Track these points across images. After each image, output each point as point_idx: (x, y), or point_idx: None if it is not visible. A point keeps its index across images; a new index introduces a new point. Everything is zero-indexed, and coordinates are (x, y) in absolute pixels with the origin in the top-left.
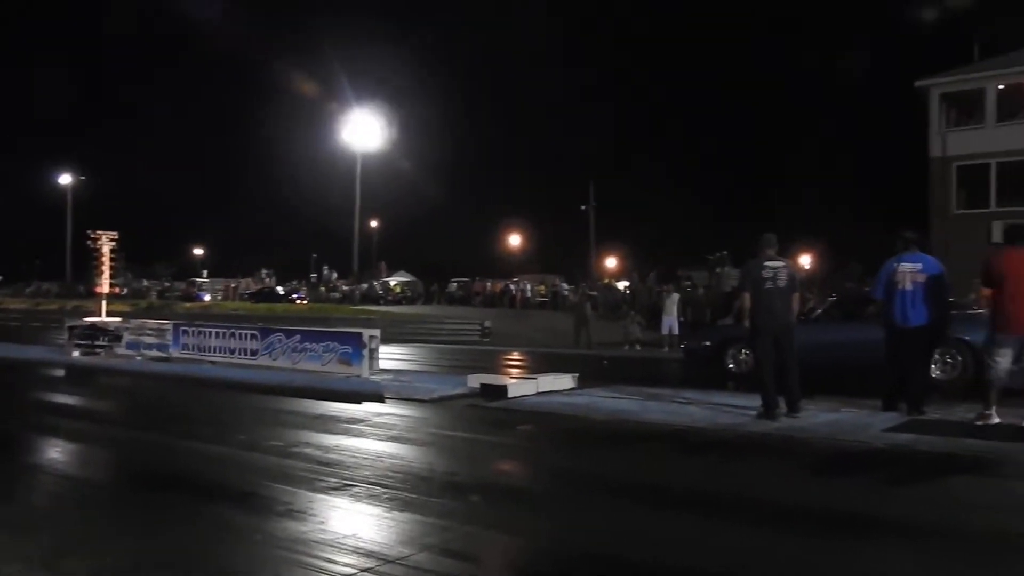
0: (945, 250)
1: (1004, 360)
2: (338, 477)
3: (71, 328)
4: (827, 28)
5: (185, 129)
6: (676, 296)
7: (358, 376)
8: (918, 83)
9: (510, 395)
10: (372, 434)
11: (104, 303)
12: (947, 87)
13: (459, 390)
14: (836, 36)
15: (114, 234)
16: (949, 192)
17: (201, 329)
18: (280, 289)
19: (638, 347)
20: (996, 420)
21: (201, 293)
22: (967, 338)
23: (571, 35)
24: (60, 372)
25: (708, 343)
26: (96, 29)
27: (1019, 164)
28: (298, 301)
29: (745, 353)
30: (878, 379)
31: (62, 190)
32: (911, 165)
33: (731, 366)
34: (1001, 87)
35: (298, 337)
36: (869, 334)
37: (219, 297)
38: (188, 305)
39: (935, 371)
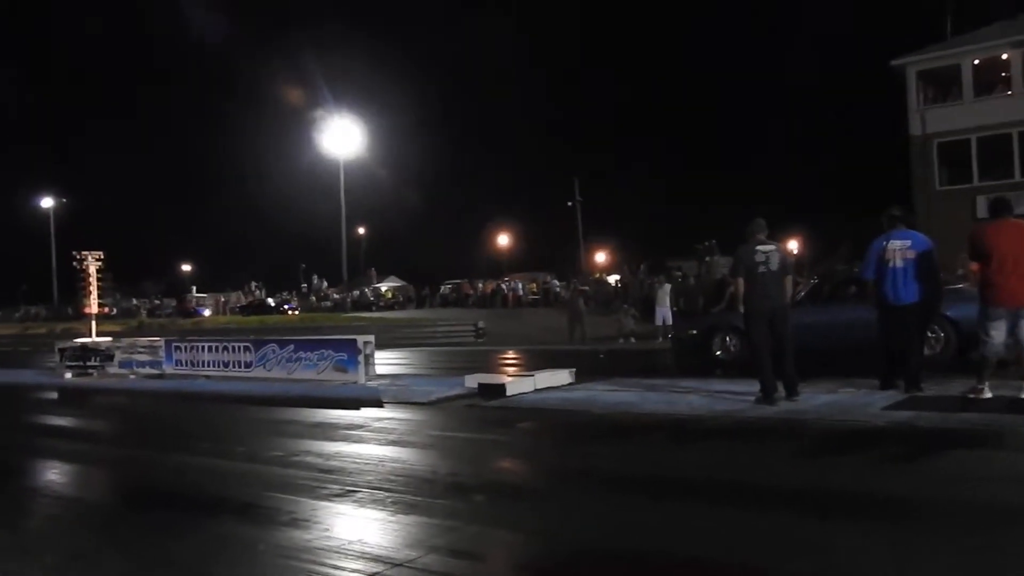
0: (930, 227)
1: (998, 334)
2: (340, 484)
3: (62, 350)
4: (804, 12)
5: (165, 145)
6: (668, 287)
7: (355, 382)
8: (894, 62)
9: (508, 393)
10: (372, 439)
11: (94, 323)
12: (923, 64)
13: (457, 391)
14: (812, 19)
15: (99, 254)
16: (931, 169)
17: (194, 344)
18: (271, 301)
19: (633, 339)
20: (988, 395)
21: (200, 308)
22: (949, 314)
23: (551, 33)
24: (53, 395)
25: (695, 331)
26: (75, 47)
27: (999, 138)
28: (289, 312)
29: (731, 340)
30: (862, 359)
31: (44, 213)
32: (892, 144)
33: (718, 353)
34: (976, 62)
35: (292, 347)
36: (850, 315)
37: (209, 312)
38: (182, 322)
39: None
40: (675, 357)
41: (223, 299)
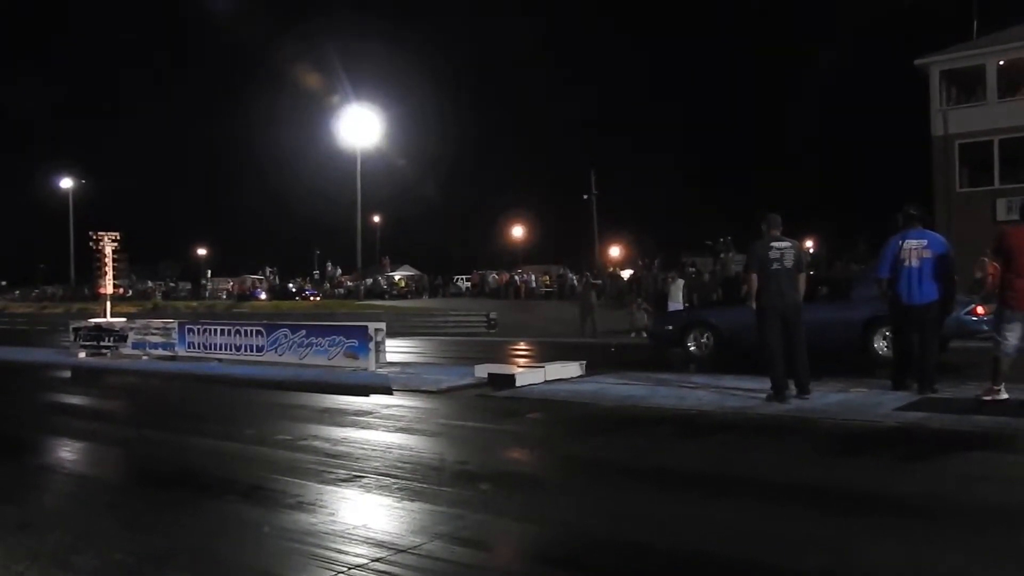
0: (949, 229)
1: (1012, 336)
2: (347, 469)
3: (76, 330)
4: (825, 8)
5: (185, 129)
6: (681, 282)
7: (365, 369)
8: (918, 61)
9: (518, 384)
10: (381, 426)
11: (108, 304)
12: (947, 64)
13: (467, 380)
14: (834, 16)
15: (115, 234)
16: (952, 171)
17: (207, 327)
18: (291, 286)
19: (644, 334)
20: (1004, 396)
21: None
22: None
23: (569, 25)
24: (66, 373)
25: (671, 327)
26: (95, 29)
27: (1022, 140)
28: (311, 298)
29: (705, 337)
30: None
31: (64, 194)
32: (913, 145)
33: (692, 348)
34: (1001, 63)
35: (303, 332)
36: (816, 315)
37: (223, 296)
38: (195, 304)
39: (886, 349)
40: (652, 351)
41: (237, 283)
